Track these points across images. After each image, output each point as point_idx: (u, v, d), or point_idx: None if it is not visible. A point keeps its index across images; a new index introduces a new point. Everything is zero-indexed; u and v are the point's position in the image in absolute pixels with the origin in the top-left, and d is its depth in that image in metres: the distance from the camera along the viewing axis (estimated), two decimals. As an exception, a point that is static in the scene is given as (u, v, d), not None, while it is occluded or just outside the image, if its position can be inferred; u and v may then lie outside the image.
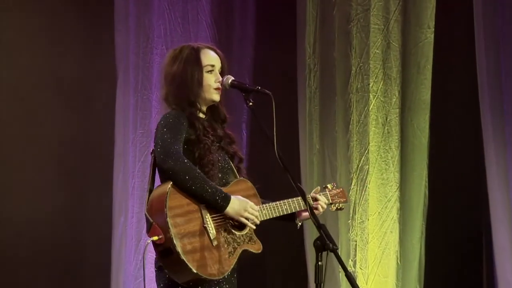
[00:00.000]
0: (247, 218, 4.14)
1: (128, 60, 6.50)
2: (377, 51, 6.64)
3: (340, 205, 4.64)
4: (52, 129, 6.41)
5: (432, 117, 6.62)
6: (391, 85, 6.64)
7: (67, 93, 6.48)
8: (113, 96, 6.46)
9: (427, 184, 6.58)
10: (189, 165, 4.05)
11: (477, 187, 6.61)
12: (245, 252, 4.19)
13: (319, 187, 4.61)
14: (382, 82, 6.63)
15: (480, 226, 6.66)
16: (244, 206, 4.14)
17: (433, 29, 6.59)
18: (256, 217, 4.17)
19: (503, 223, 6.28)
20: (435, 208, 6.63)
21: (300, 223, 4.47)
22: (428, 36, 6.60)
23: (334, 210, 4.63)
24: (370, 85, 6.60)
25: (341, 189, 4.67)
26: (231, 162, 4.33)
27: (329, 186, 4.64)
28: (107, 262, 6.38)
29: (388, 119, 6.61)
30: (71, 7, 6.51)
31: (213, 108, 4.35)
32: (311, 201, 4.48)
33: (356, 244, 6.50)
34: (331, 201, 4.58)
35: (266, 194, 4.40)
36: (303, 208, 4.38)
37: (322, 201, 4.50)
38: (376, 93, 6.61)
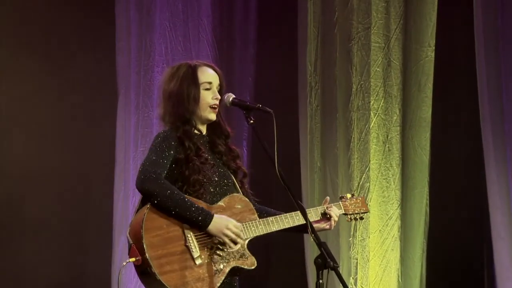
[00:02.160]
0: (228, 236, 4.10)
1: (129, 78, 6.51)
2: (378, 69, 6.65)
3: (360, 214, 4.54)
4: (53, 146, 6.41)
5: (433, 135, 6.62)
6: (392, 103, 6.65)
7: (68, 111, 6.49)
8: (114, 113, 6.47)
9: (428, 202, 6.58)
10: (167, 186, 4.04)
11: (479, 205, 6.61)
12: (237, 269, 4.15)
13: (328, 197, 4.54)
14: (383, 100, 6.64)
15: (481, 244, 6.65)
16: (226, 223, 4.10)
17: (434, 47, 6.61)
18: (238, 235, 4.11)
19: (505, 241, 6.27)
20: (436, 225, 6.63)
21: (313, 234, 4.41)
22: (428, 54, 6.62)
23: (350, 221, 4.57)
24: (371, 103, 6.61)
25: (361, 197, 4.60)
26: (233, 178, 4.31)
27: (347, 195, 4.57)
28: (108, 281, 6.36)
29: (389, 137, 6.61)
30: (72, 25, 6.53)
31: (214, 124, 4.34)
32: (320, 213, 4.43)
33: (357, 262, 6.48)
34: (344, 212, 4.52)
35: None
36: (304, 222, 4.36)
37: (334, 213, 4.43)
38: (377, 111, 6.62)
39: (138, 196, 6.26)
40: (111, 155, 6.45)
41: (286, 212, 4.32)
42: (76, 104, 6.51)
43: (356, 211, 4.56)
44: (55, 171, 6.42)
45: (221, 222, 4.09)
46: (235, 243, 4.11)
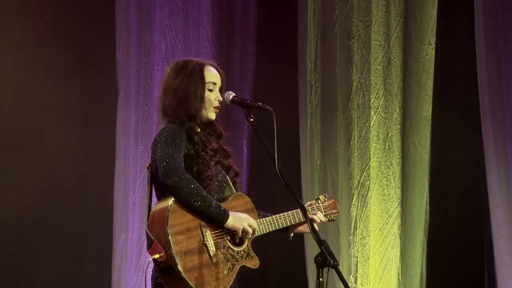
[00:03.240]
0: (244, 229, 4.13)
1: (129, 76, 6.51)
2: (378, 67, 6.65)
3: (332, 216, 4.63)
4: (53, 145, 6.41)
5: (433, 133, 6.62)
6: (392, 101, 6.64)
7: (68, 109, 6.49)
8: (114, 112, 6.47)
9: (428, 200, 6.57)
10: (192, 181, 4.05)
11: (479, 203, 6.60)
12: (243, 267, 4.18)
13: (314, 201, 4.61)
14: (383, 98, 6.64)
15: (482, 242, 6.65)
16: (244, 217, 4.15)
17: (434, 45, 6.60)
18: (254, 229, 4.16)
19: (505, 238, 6.27)
20: (436, 224, 6.62)
21: (292, 234, 4.46)
22: (429, 52, 6.61)
23: (326, 221, 4.63)
24: (371, 101, 6.61)
25: (333, 200, 4.66)
26: (227, 176, 4.33)
27: (321, 197, 4.64)
28: (108, 278, 6.36)
29: (389, 135, 6.61)
30: (72, 24, 6.53)
31: (209, 123, 4.35)
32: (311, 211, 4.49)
33: (357, 260, 6.48)
34: (324, 213, 4.57)
35: (266, 209, 4.41)
36: (297, 222, 4.39)
37: (319, 216, 4.49)
38: (377, 109, 6.61)
39: (138, 194, 6.34)
40: (111, 153, 6.45)
41: (277, 213, 4.36)
42: (76, 102, 6.50)
43: (330, 213, 4.62)
44: (55, 169, 6.42)
45: (240, 216, 4.14)
46: (247, 234, 4.17)
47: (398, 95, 6.65)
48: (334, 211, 4.63)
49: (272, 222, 4.31)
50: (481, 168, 6.48)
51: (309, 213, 4.49)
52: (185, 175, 4.04)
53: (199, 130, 4.30)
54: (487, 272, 6.62)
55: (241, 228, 4.13)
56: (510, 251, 6.26)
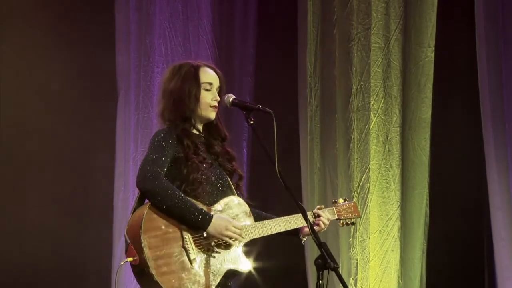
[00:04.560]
0: (229, 237, 4.10)
1: (129, 79, 6.51)
2: (378, 69, 6.65)
3: (352, 220, 4.57)
4: (52, 147, 6.41)
5: (433, 136, 6.62)
6: (391, 104, 6.65)
7: (67, 112, 6.49)
8: (114, 114, 6.47)
9: (428, 202, 6.57)
10: (167, 186, 4.03)
11: (479, 205, 6.61)
12: (230, 271, 4.14)
13: (322, 206, 4.56)
14: (382, 101, 6.64)
15: (481, 244, 6.65)
16: (225, 224, 4.10)
17: (434, 48, 6.61)
18: (240, 234, 4.12)
19: (505, 241, 6.27)
20: (436, 226, 6.62)
21: (305, 239, 4.43)
22: (428, 55, 6.62)
23: (342, 226, 4.59)
24: (371, 104, 6.61)
25: (353, 203, 4.61)
26: (229, 179, 4.31)
27: (339, 200, 4.58)
28: (108, 282, 6.35)
29: (388, 138, 6.61)
30: (72, 26, 6.53)
31: (212, 125, 4.35)
32: (313, 217, 4.44)
33: (357, 263, 6.48)
34: (337, 217, 4.54)
35: (266, 211, 4.39)
36: (300, 226, 4.35)
37: (325, 217, 4.44)
38: (377, 112, 6.62)
39: (138, 197, 6.31)
40: (111, 156, 6.44)
41: (278, 215, 4.34)
42: (76, 104, 6.50)
43: (349, 216, 4.58)
44: (55, 171, 6.42)
45: (221, 224, 4.09)
46: (239, 241, 4.12)
47: (398, 98, 6.66)
48: (353, 215, 4.57)
49: (270, 225, 4.27)
50: (481, 171, 6.48)
51: (313, 218, 4.45)
52: (159, 180, 4.03)
53: (196, 132, 4.30)
54: (487, 274, 6.62)
55: (225, 235, 4.09)
56: (510, 253, 6.26)
